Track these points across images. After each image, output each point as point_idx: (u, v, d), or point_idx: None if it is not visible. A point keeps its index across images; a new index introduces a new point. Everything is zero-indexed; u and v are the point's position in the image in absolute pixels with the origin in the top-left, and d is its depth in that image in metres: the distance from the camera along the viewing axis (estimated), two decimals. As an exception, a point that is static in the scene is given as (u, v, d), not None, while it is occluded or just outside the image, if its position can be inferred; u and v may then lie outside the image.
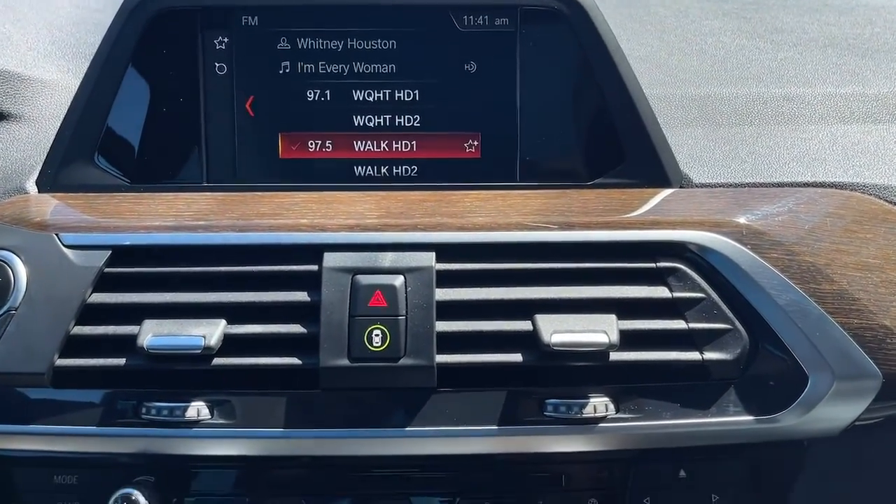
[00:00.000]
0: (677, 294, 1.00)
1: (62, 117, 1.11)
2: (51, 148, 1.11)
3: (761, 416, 0.99)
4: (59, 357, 0.97)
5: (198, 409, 0.96)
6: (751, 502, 1.05)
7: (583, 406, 0.96)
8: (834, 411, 1.00)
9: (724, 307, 0.99)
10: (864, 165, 1.14)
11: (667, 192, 1.10)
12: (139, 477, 1.01)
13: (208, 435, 0.97)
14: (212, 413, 0.97)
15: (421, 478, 1.03)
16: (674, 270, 1.01)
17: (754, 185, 1.10)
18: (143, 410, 0.97)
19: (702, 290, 1.00)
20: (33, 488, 1.02)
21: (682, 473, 1.03)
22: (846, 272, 1.01)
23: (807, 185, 1.10)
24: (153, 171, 1.11)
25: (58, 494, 1.02)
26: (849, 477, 1.09)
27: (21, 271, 0.98)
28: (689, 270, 1.01)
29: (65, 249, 1.00)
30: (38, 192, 1.09)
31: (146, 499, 0.98)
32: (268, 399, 0.97)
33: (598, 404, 0.97)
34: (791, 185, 1.10)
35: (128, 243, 1.00)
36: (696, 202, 1.07)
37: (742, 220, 1.03)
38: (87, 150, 1.10)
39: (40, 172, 1.10)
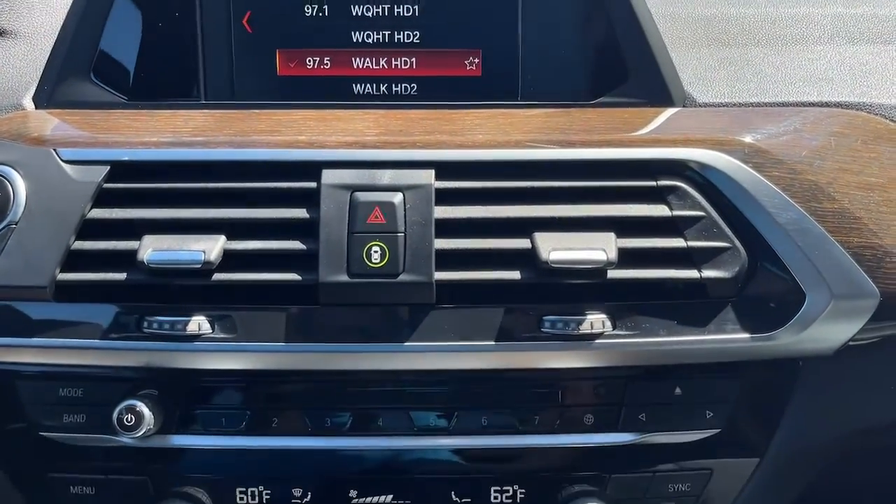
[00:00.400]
0: (677, 212, 0.99)
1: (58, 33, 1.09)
2: (46, 64, 1.10)
3: (758, 333, 0.99)
4: (61, 271, 0.97)
5: (199, 323, 0.97)
6: (745, 419, 1.06)
7: (580, 323, 0.97)
8: (830, 330, 1.00)
9: (723, 225, 0.99)
10: (871, 85, 1.12)
11: (670, 111, 1.09)
12: (143, 390, 1.02)
13: (209, 349, 0.98)
14: (213, 327, 0.98)
15: (419, 392, 1.04)
16: (674, 189, 1.00)
17: (759, 104, 1.09)
18: (145, 325, 0.98)
19: (702, 208, 0.99)
20: (40, 401, 1.04)
21: (678, 391, 1.04)
22: (848, 191, 1.00)
23: (812, 104, 1.09)
24: (150, 88, 1.10)
25: (64, 407, 1.03)
26: (842, 396, 1.10)
27: (20, 186, 0.98)
28: (689, 188, 1.00)
29: (63, 165, 0.99)
30: (35, 108, 1.09)
31: (150, 410, 0.99)
32: (268, 314, 0.98)
33: (595, 321, 0.97)
34: (796, 104, 1.09)
35: (126, 158, 1.00)
36: (699, 121, 1.06)
37: (744, 138, 1.01)
38: (82, 66, 1.09)
39: (37, 89, 1.09)
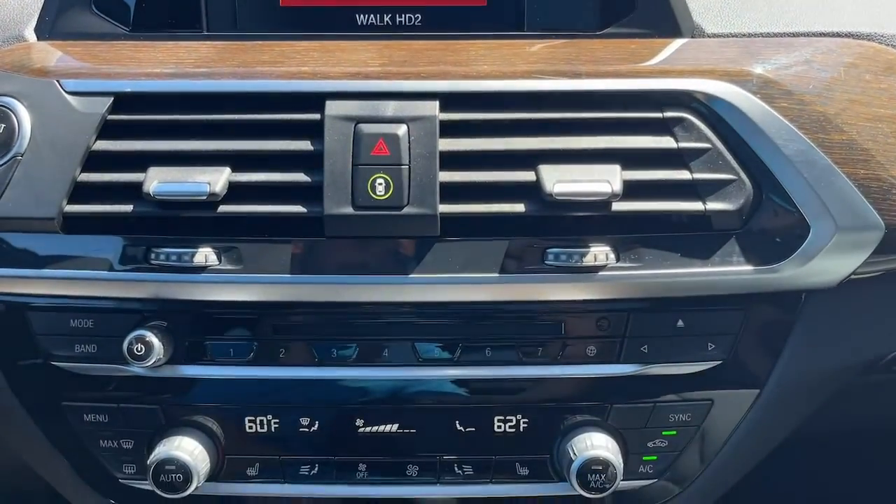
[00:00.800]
0: (683, 144, 0.99)
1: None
2: (47, -5, 1.09)
3: (761, 266, 1.00)
4: (68, 203, 0.98)
5: (205, 255, 0.98)
6: (746, 351, 1.07)
7: (583, 255, 0.97)
8: (834, 262, 1.00)
9: (729, 157, 0.99)
10: (884, 15, 1.10)
11: (678, 42, 1.07)
12: (153, 321, 1.04)
13: (216, 280, 0.99)
14: (219, 259, 0.99)
15: (424, 324, 1.05)
16: (680, 120, 0.99)
17: (769, 35, 1.07)
18: (152, 256, 0.99)
19: (707, 139, 0.99)
20: (52, 332, 1.06)
21: (681, 323, 1.05)
22: (857, 122, 0.99)
23: (823, 34, 1.07)
24: (152, 19, 1.09)
25: (75, 338, 1.05)
26: (843, 330, 1.10)
27: (25, 117, 0.98)
28: (695, 120, 0.99)
29: (67, 96, 0.99)
30: (37, 40, 1.08)
31: (159, 341, 1.01)
32: (274, 246, 0.99)
33: (599, 253, 0.98)
34: (807, 34, 1.07)
35: (129, 90, 0.99)
36: (707, 52, 1.04)
37: (753, 69, 1.00)
38: None
39: (38, 20, 1.09)
